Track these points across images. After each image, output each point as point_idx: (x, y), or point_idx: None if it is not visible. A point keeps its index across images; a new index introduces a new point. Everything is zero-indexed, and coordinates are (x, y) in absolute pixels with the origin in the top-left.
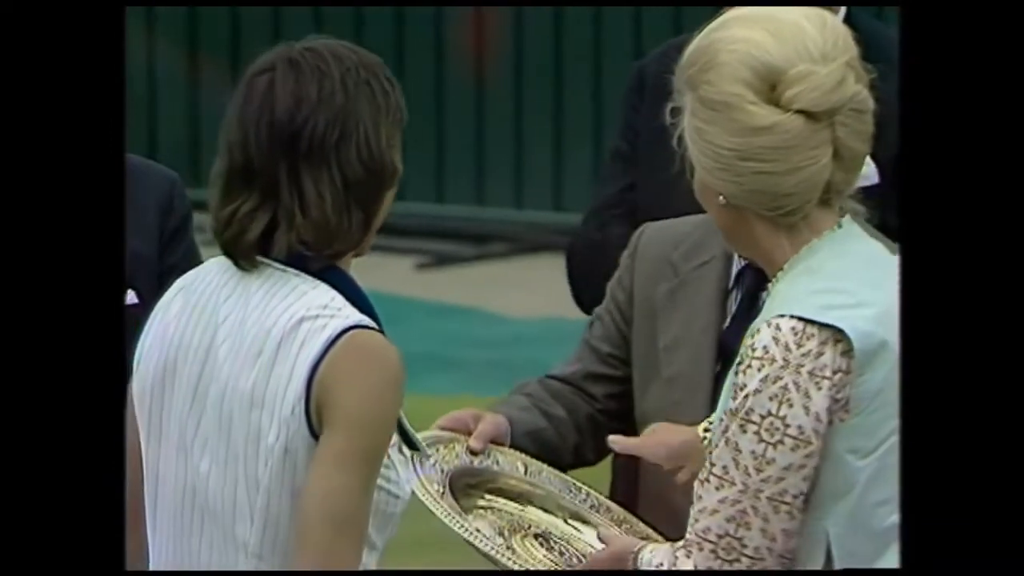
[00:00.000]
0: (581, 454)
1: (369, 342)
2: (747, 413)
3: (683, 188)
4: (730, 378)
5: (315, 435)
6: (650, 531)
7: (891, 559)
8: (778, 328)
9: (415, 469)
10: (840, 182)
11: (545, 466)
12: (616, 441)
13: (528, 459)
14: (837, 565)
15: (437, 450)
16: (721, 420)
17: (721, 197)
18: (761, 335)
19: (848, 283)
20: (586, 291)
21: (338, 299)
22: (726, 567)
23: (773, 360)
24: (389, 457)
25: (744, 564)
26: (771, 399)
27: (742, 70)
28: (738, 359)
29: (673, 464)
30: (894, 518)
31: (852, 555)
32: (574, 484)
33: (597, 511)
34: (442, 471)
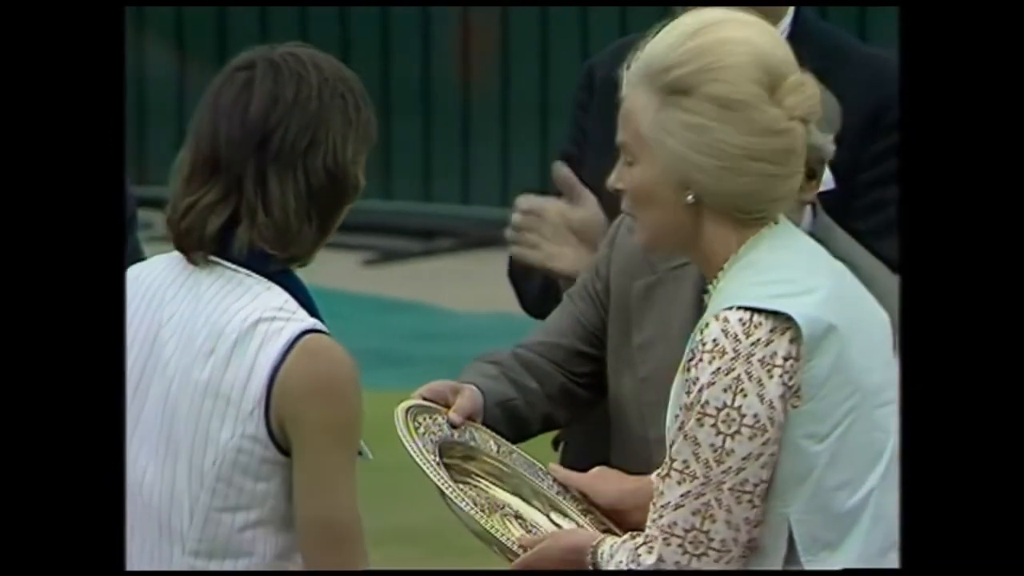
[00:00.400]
0: (551, 421)
1: (325, 347)
2: (703, 406)
3: None
4: (680, 375)
5: (273, 438)
6: (612, 524)
7: (854, 542)
8: (726, 320)
9: (412, 436)
10: (801, 190)
11: (514, 447)
12: (556, 471)
13: (499, 438)
14: (800, 550)
15: (424, 419)
16: (676, 416)
17: (691, 195)
18: (710, 329)
19: (790, 272)
20: (526, 289)
21: (291, 302)
22: (694, 561)
23: (724, 352)
24: None
25: (712, 557)
26: (725, 391)
27: (754, 71)
28: (687, 355)
29: (622, 506)
30: (853, 500)
31: (815, 540)
32: (541, 468)
33: (563, 497)
34: (432, 441)
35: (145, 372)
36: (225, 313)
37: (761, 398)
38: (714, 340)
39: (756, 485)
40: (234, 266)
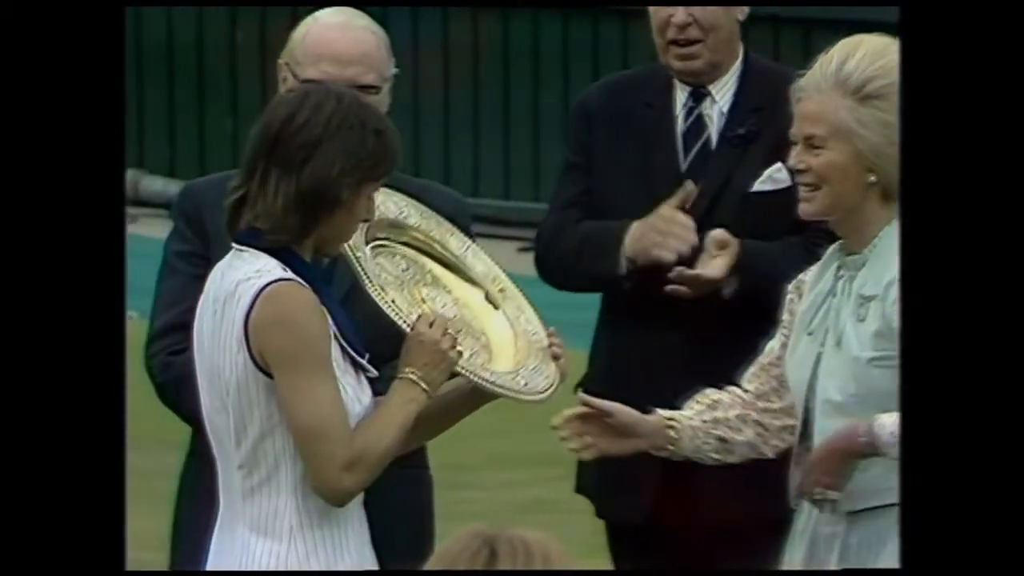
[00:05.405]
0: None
1: (281, 290)
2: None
3: (628, 194)
4: (876, 320)
5: (260, 368)
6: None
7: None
8: None
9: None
10: None
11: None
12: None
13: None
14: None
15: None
16: (884, 356)
17: (873, 177)
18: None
19: None
20: (549, 269)
21: (270, 264)
22: None
23: None
24: (341, 385)
25: None
26: None
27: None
28: (891, 303)
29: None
30: None
31: None
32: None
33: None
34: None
35: (202, 332)
36: (225, 281)
37: None
38: None
39: None
40: (238, 245)
